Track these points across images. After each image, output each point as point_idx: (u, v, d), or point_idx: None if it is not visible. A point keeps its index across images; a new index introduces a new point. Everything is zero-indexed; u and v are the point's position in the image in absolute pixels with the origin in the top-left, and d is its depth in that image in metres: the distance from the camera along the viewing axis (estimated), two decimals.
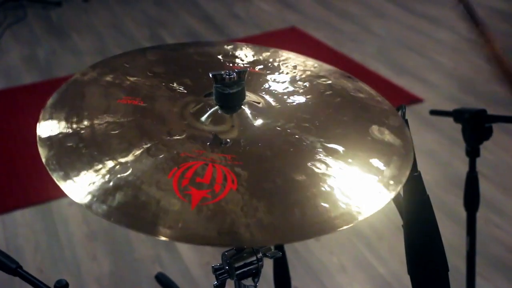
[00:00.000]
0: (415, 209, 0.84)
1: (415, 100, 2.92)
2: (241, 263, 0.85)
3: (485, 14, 3.97)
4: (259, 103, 0.87)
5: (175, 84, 0.93)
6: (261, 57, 1.03)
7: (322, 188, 0.72)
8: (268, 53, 1.04)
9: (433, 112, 1.46)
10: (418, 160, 0.82)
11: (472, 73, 3.24)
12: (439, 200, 2.22)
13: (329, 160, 0.76)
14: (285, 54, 1.04)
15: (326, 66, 1.00)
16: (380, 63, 3.36)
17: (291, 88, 0.93)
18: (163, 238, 0.65)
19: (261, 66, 1.00)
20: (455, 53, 3.49)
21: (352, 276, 1.94)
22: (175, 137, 0.78)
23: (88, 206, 0.68)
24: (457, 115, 1.28)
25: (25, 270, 0.96)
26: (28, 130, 2.80)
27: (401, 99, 2.88)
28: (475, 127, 1.24)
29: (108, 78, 0.93)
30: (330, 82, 0.96)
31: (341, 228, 0.67)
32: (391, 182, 0.74)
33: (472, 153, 1.29)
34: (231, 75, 0.81)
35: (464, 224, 1.40)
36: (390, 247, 2.04)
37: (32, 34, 3.99)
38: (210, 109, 0.84)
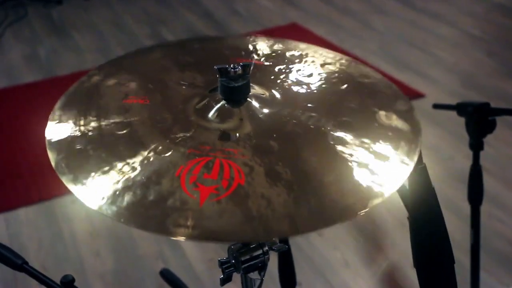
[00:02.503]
0: (421, 201, 0.84)
1: (417, 95, 2.92)
2: (247, 256, 0.85)
3: (486, 9, 3.97)
4: (264, 94, 0.87)
5: (180, 81, 0.93)
6: (267, 48, 1.03)
7: (333, 177, 0.72)
8: (272, 43, 1.04)
9: (436, 106, 1.45)
10: None
11: (474, 68, 3.24)
12: (442, 195, 2.21)
13: (338, 148, 0.76)
14: (291, 43, 1.04)
15: (331, 53, 1.00)
16: (381, 59, 3.35)
17: (298, 78, 0.93)
18: (173, 238, 0.65)
19: (265, 58, 1.00)
20: (456, 48, 3.49)
21: (356, 271, 1.95)
22: (182, 134, 0.78)
23: (98, 208, 0.69)
24: (461, 108, 1.28)
25: (31, 266, 0.96)
26: (31, 128, 2.80)
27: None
28: (478, 120, 1.24)
29: (114, 79, 0.93)
30: (336, 69, 0.96)
31: (360, 212, 0.68)
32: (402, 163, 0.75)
33: (476, 146, 1.29)
34: (236, 68, 0.81)
35: (467, 219, 1.40)
36: (393, 242, 2.04)
37: (33, 33, 3.99)
38: (216, 104, 0.84)
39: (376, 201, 0.69)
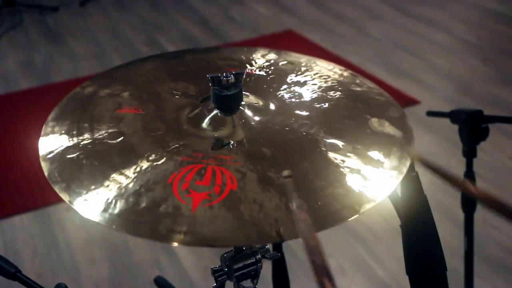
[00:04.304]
0: (413, 209, 0.85)
1: (411, 101, 2.93)
2: (240, 264, 0.85)
3: (481, 16, 3.99)
4: (257, 103, 0.87)
5: (173, 91, 0.93)
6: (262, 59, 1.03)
7: (324, 182, 0.72)
8: (266, 53, 1.05)
9: (430, 113, 1.46)
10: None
11: (468, 75, 3.25)
12: (436, 202, 2.22)
13: (330, 154, 0.77)
14: (287, 55, 1.05)
15: (325, 64, 1.01)
16: (376, 65, 3.36)
17: (291, 88, 0.94)
18: (165, 243, 0.65)
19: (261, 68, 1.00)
20: (451, 55, 3.50)
21: (351, 278, 1.95)
22: (175, 143, 0.79)
23: (91, 215, 0.69)
24: (454, 116, 1.28)
25: (24, 275, 0.96)
26: (26, 135, 2.80)
27: (398, 101, 2.88)
28: (471, 127, 1.25)
29: (108, 90, 0.94)
30: (329, 78, 0.96)
31: (349, 218, 0.68)
32: (392, 171, 0.76)
33: (469, 153, 1.29)
34: (228, 77, 0.81)
35: (462, 225, 1.40)
36: (388, 249, 2.04)
37: (29, 39, 3.99)
38: (208, 113, 0.84)
39: (368, 205, 0.69)
